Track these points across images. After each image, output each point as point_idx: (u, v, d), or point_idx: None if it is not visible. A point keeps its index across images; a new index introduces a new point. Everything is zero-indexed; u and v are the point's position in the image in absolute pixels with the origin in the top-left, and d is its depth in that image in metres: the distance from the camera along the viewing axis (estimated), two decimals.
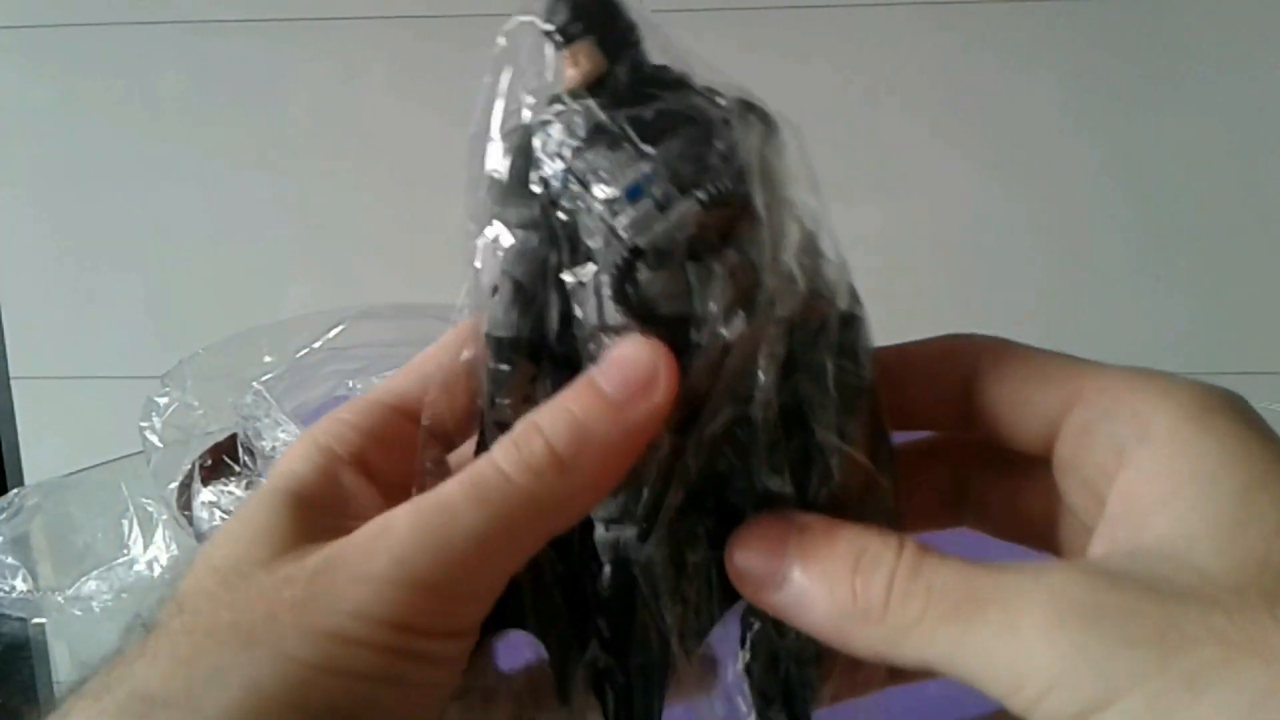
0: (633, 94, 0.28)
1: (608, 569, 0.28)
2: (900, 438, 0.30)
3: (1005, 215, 1.03)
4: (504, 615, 0.28)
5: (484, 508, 0.25)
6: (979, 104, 1.02)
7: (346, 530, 0.26)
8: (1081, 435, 0.27)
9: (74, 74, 1.07)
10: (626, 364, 0.26)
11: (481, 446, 0.29)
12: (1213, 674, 0.21)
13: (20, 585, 0.65)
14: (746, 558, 0.27)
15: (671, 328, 0.26)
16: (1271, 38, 0.99)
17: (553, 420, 0.26)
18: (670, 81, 0.28)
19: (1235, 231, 1.02)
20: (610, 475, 0.27)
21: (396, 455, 0.29)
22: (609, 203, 0.26)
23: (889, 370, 0.30)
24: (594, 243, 0.27)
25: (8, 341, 1.12)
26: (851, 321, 0.29)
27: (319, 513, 0.27)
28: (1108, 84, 1.01)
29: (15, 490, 0.72)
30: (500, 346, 0.28)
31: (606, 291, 0.26)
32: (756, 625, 0.29)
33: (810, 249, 0.28)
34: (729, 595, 0.29)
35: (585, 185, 0.27)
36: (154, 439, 0.63)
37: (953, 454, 0.33)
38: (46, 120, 1.08)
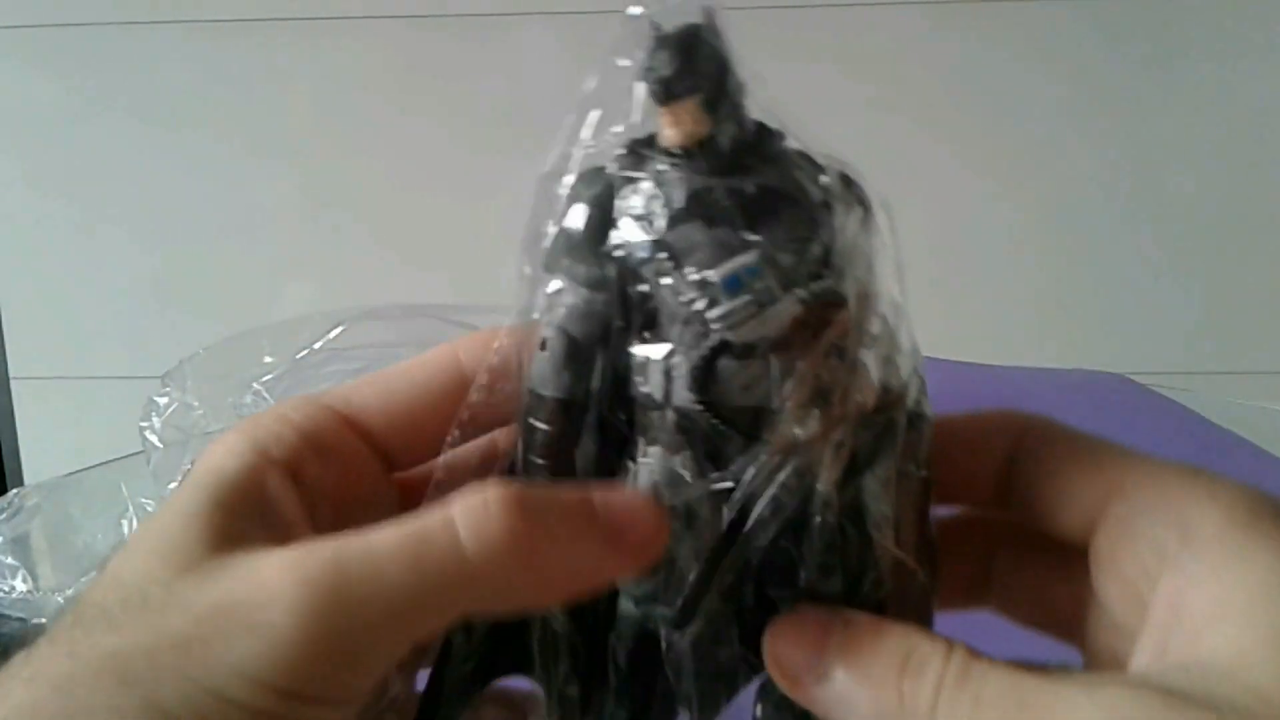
0: (733, 161, 0.25)
1: (629, 644, 0.27)
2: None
3: (1008, 215, 1.03)
4: (506, 660, 0.27)
5: (418, 572, 0.22)
6: (981, 104, 1.02)
7: (261, 540, 0.24)
8: (1122, 531, 0.26)
9: (74, 74, 1.07)
10: (635, 521, 0.25)
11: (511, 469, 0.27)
12: None
13: (20, 585, 0.65)
14: (787, 649, 0.26)
15: (740, 418, 0.25)
16: (1275, 37, 0.99)
17: (542, 517, 0.23)
18: (770, 148, 0.26)
19: (1239, 232, 1.02)
20: (562, 595, 0.25)
21: (333, 466, 0.27)
22: (702, 287, 0.24)
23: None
24: (674, 322, 0.25)
25: (7, 342, 1.12)
26: (918, 422, 0.27)
27: (237, 519, 0.24)
28: (1111, 84, 1.01)
29: (15, 490, 0.72)
30: (545, 405, 0.26)
31: (683, 376, 0.24)
32: (773, 697, 0.28)
33: (889, 344, 0.26)
34: (750, 673, 0.28)
35: (676, 261, 0.24)
36: (154, 439, 0.63)
37: (981, 534, 0.31)
38: (46, 120, 1.08)
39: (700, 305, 0.24)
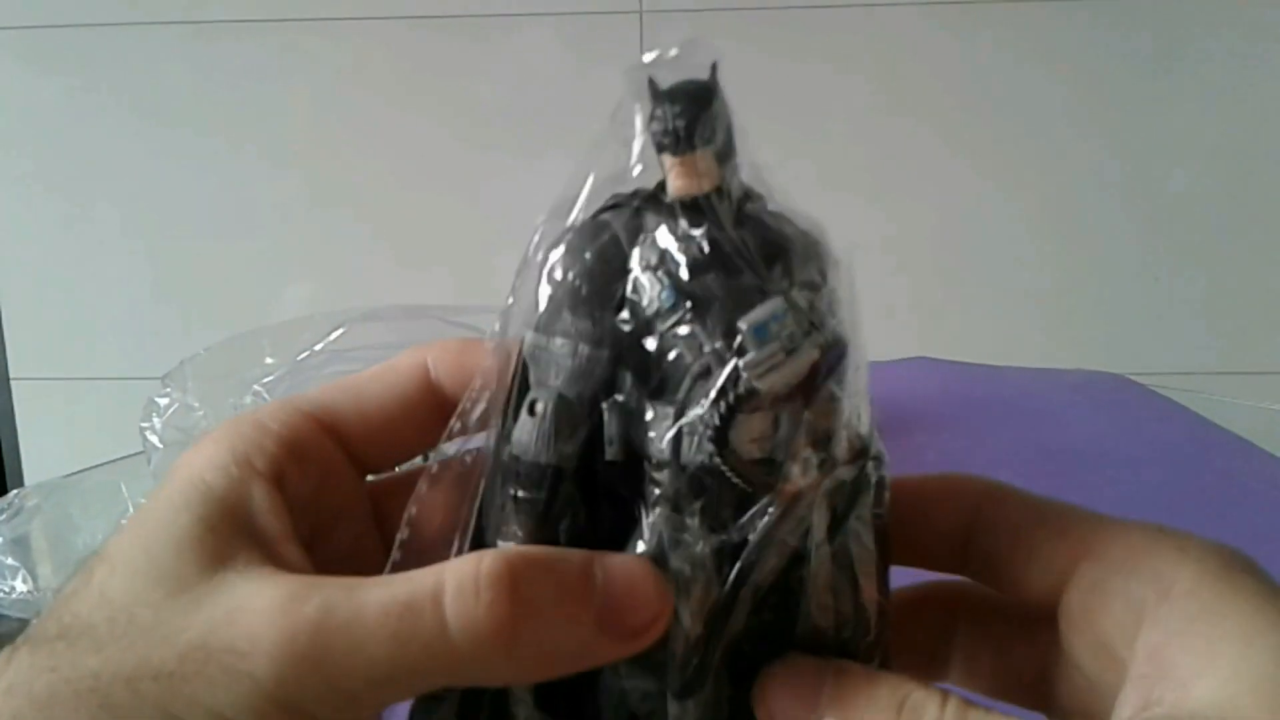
0: (737, 212, 0.25)
1: (610, 715, 0.26)
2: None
3: (1009, 217, 1.03)
4: None
5: (400, 650, 0.22)
6: (982, 104, 1.02)
7: (249, 559, 0.23)
8: (1094, 591, 0.25)
9: (74, 74, 1.07)
10: (636, 601, 0.24)
11: (474, 543, 0.26)
12: None
13: (20, 586, 0.65)
14: (781, 700, 0.25)
15: (751, 470, 0.24)
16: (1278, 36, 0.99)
17: (534, 602, 0.23)
18: (757, 204, 0.26)
19: (1240, 232, 1.02)
20: (549, 676, 0.24)
21: (312, 474, 0.27)
22: (728, 336, 0.23)
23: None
24: (687, 376, 0.24)
25: (8, 343, 1.12)
26: (879, 464, 0.27)
27: (225, 539, 0.24)
28: (1114, 85, 1.01)
29: (15, 491, 0.72)
30: (531, 474, 0.25)
31: (700, 432, 0.24)
32: None
33: (860, 392, 0.26)
34: None
35: (700, 312, 0.24)
36: (154, 439, 0.63)
37: (938, 605, 0.31)
38: (47, 120, 1.08)
39: (727, 356, 0.23)
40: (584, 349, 0.25)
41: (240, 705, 0.21)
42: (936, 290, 1.05)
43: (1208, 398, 0.77)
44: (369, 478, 0.29)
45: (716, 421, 0.23)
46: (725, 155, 0.25)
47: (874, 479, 0.26)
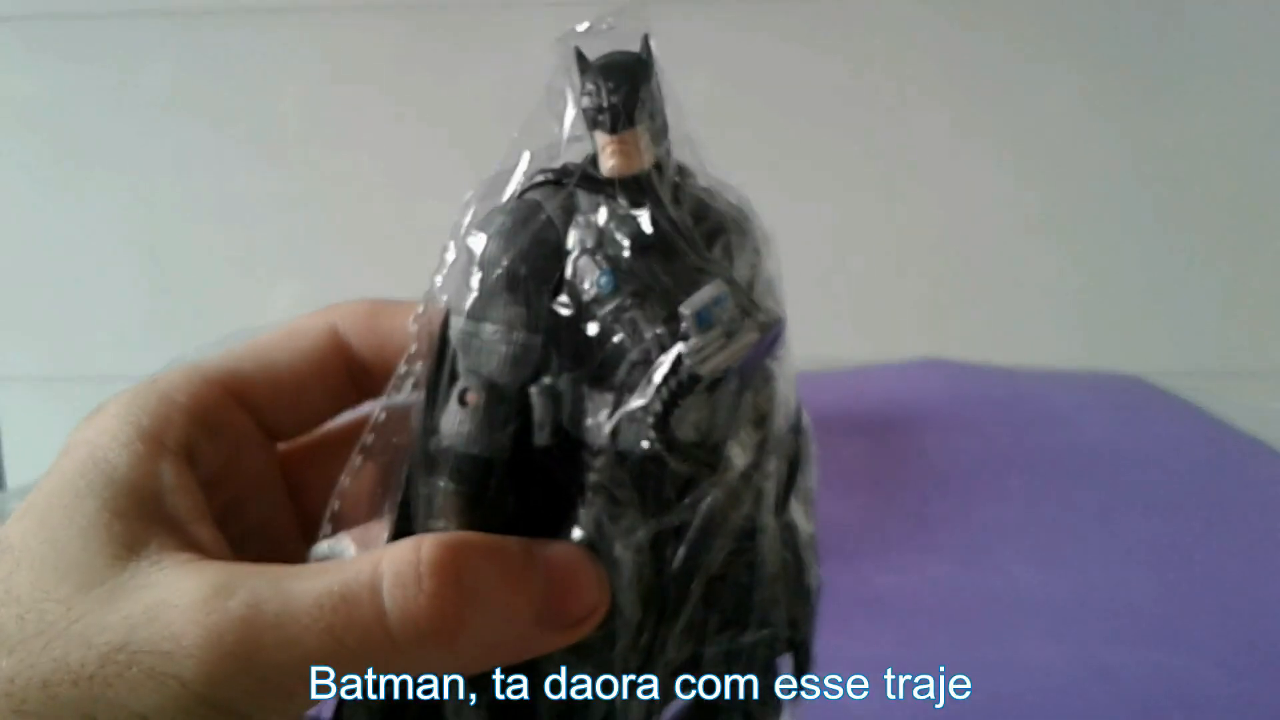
0: (672, 191, 0.24)
1: (526, 680, 0.25)
2: None
3: (1020, 216, 1.03)
4: None
5: (335, 644, 0.21)
6: (992, 101, 1.01)
7: (163, 544, 0.22)
8: None
9: (62, 68, 1.06)
10: (576, 590, 0.23)
11: (398, 533, 0.24)
12: None
13: None
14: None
15: (685, 454, 0.23)
16: None
17: (476, 590, 0.21)
18: (689, 180, 0.25)
19: (1254, 232, 1.01)
20: (487, 668, 0.23)
21: (224, 446, 0.26)
22: (672, 324, 0.23)
23: None
24: (629, 359, 0.23)
25: None
26: (807, 439, 0.27)
27: (136, 524, 0.23)
28: (1125, 83, 1.00)
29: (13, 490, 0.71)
30: (462, 464, 0.24)
31: (641, 417, 0.23)
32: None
33: (792, 369, 0.26)
34: (664, 699, 0.26)
35: (640, 296, 0.23)
36: None
37: None
38: (34, 115, 1.07)
39: (669, 342, 0.23)
40: (518, 336, 0.24)
41: (168, 708, 0.20)
42: (945, 291, 1.04)
43: (1220, 398, 0.76)
44: (280, 446, 0.28)
45: (659, 409, 0.23)
46: (661, 132, 0.24)
47: (804, 453, 0.26)
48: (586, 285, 0.24)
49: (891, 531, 0.58)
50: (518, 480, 0.25)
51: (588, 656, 0.24)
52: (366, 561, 0.21)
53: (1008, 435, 0.71)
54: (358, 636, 0.21)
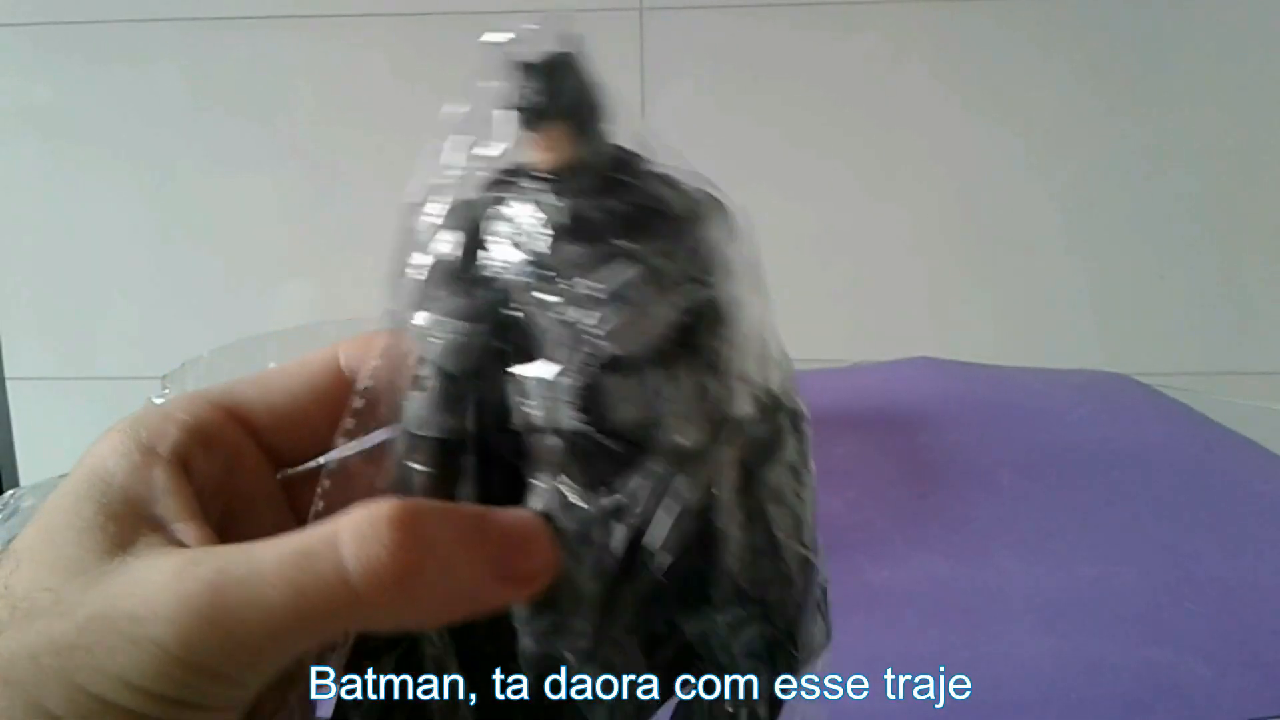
0: (602, 181, 0.26)
1: (527, 680, 0.26)
2: None
3: (1011, 215, 1.03)
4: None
5: (298, 598, 0.22)
6: (982, 103, 1.01)
7: (151, 540, 0.24)
8: None
9: (72, 72, 1.06)
10: (528, 547, 0.24)
11: None
12: None
13: None
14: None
15: (625, 433, 0.24)
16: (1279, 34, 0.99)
17: (433, 542, 0.23)
18: (629, 164, 0.26)
19: (1242, 232, 1.02)
20: (447, 620, 0.25)
21: (219, 459, 0.27)
22: (584, 304, 0.24)
23: None
24: (553, 344, 0.24)
25: (3, 342, 1.11)
26: (799, 422, 0.27)
27: (127, 524, 0.24)
28: (1113, 83, 1.00)
29: (11, 492, 0.71)
30: (421, 447, 0.26)
31: (567, 397, 0.24)
32: None
33: (761, 348, 0.26)
34: (663, 698, 0.27)
35: (555, 280, 0.24)
36: None
37: None
38: (47, 119, 1.08)
39: (583, 320, 0.24)
40: (457, 325, 0.25)
41: (145, 669, 0.21)
42: (938, 291, 1.04)
43: (1212, 398, 0.77)
44: (288, 471, 0.29)
45: (578, 387, 0.24)
46: (586, 125, 0.26)
47: (791, 434, 0.27)
48: (510, 274, 0.25)
49: (884, 527, 0.58)
50: (485, 465, 0.26)
51: (545, 612, 0.25)
52: (327, 523, 0.23)
53: (1000, 433, 0.71)
54: (319, 589, 0.22)
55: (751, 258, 0.27)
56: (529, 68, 0.26)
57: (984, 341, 1.02)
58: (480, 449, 0.26)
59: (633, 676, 0.26)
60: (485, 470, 0.26)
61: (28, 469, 1.11)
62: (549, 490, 0.25)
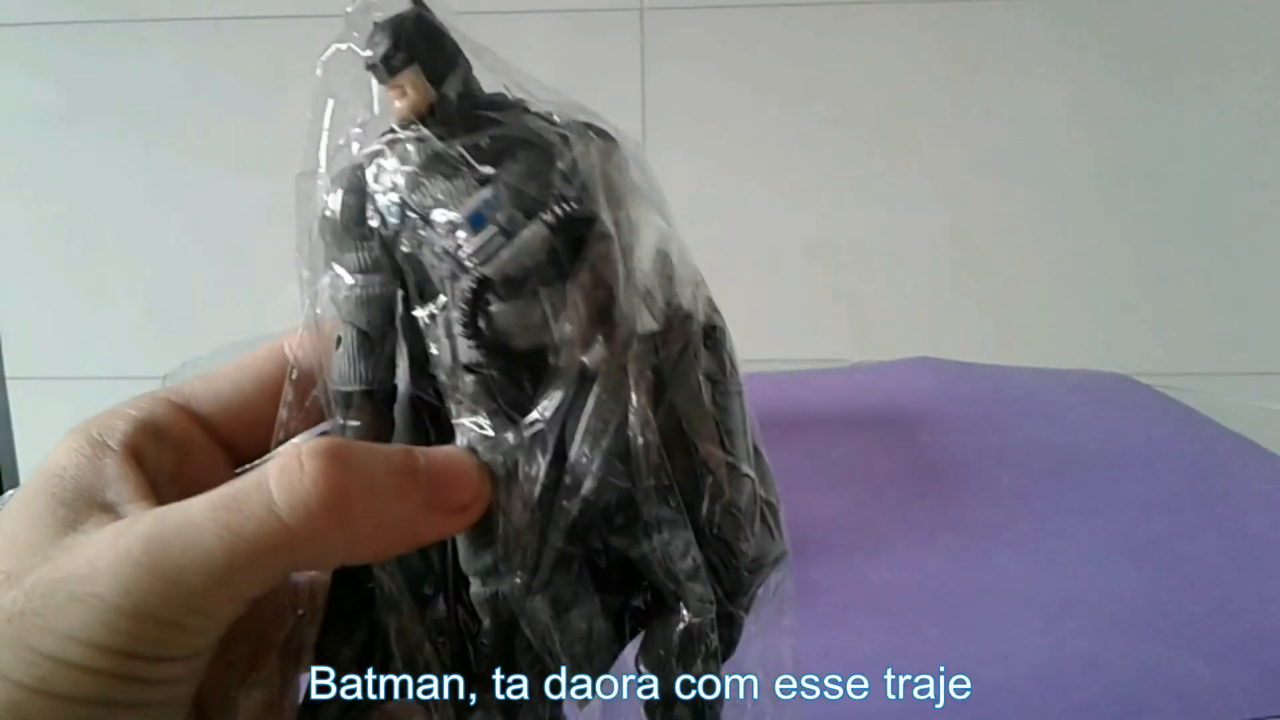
0: (466, 121, 0.26)
1: (487, 623, 0.27)
2: None
3: (1010, 216, 1.03)
4: (371, 666, 0.27)
5: (233, 538, 0.22)
6: (981, 103, 1.01)
7: (101, 517, 0.24)
8: None
9: (72, 73, 1.06)
10: (458, 479, 0.25)
11: None
12: None
13: None
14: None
15: (529, 359, 0.25)
16: (1277, 36, 0.99)
17: (360, 471, 0.23)
18: (504, 106, 0.27)
19: (1241, 232, 1.02)
20: (384, 552, 0.25)
21: (170, 450, 0.27)
22: (451, 232, 0.25)
23: None
24: (441, 278, 0.25)
25: (4, 342, 1.11)
26: (713, 332, 0.28)
27: (77, 509, 0.25)
28: (1112, 83, 1.00)
29: (10, 491, 0.72)
30: (349, 401, 0.26)
31: (458, 328, 0.25)
32: (647, 673, 0.27)
33: (664, 266, 0.27)
34: (619, 639, 0.27)
35: (424, 217, 0.25)
36: None
37: None
38: (43, 119, 1.08)
39: (454, 250, 0.24)
40: (356, 279, 0.27)
41: (92, 624, 0.22)
42: (938, 290, 1.04)
43: (1210, 398, 0.77)
44: (244, 468, 0.29)
45: (463, 315, 0.24)
46: (439, 71, 0.27)
47: (705, 346, 0.27)
48: (383, 220, 0.26)
49: (885, 527, 0.58)
50: (418, 415, 0.27)
51: (484, 551, 0.26)
52: (256, 469, 0.24)
53: (999, 433, 0.71)
54: (251, 527, 0.22)
55: (647, 183, 0.27)
56: (375, 25, 0.27)
57: (984, 341, 1.02)
58: (409, 400, 0.27)
59: (585, 608, 0.26)
60: (417, 418, 0.27)
61: (28, 469, 1.11)
62: (469, 426, 0.25)
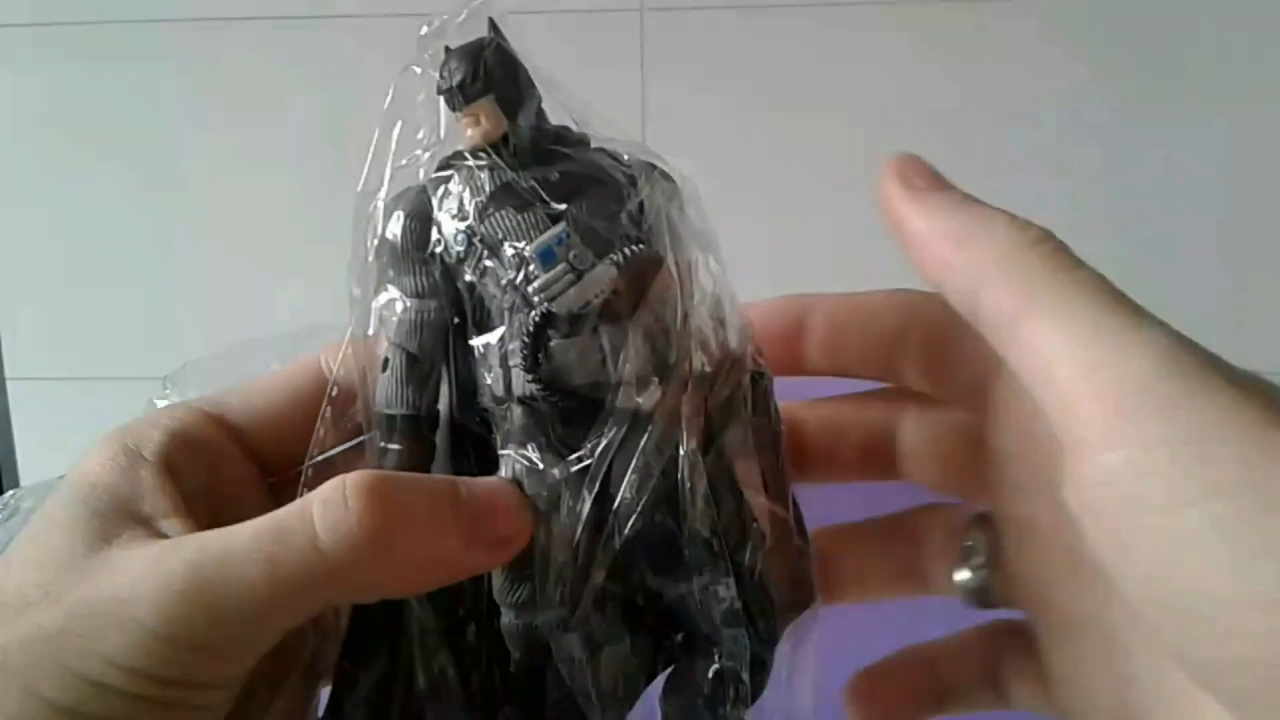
0: (537, 154, 0.27)
1: (517, 655, 0.27)
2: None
3: (1015, 210, 1.03)
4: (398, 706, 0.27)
5: (274, 569, 0.22)
6: (983, 105, 1.02)
7: (135, 535, 0.24)
8: (1015, 379, 0.26)
9: (72, 72, 1.06)
10: (500, 513, 0.25)
11: None
12: None
13: None
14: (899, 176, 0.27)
15: (584, 396, 0.25)
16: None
17: (403, 507, 0.24)
18: (571, 141, 0.27)
19: (1241, 232, 1.02)
20: (423, 586, 0.25)
21: (204, 461, 0.28)
22: (519, 266, 0.25)
23: (829, 317, 0.31)
24: (502, 309, 0.25)
25: (3, 343, 1.11)
26: (760, 379, 0.28)
27: (112, 521, 0.25)
28: (1110, 85, 1.01)
29: (10, 492, 0.71)
30: (392, 425, 0.26)
31: (516, 360, 0.25)
32: (674, 701, 0.28)
33: (716, 310, 0.27)
34: (647, 677, 0.27)
35: (492, 248, 0.25)
36: None
37: (880, 407, 0.33)
38: (41, 119, 1.08)
39: (520, 284, 0.25)
40: (410, 303, 0.27)
41: (131, 649, 0.22)
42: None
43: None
44: (277, 478, 0.29)
45: (523, 348, 0.25)
46: (508, 102, 0.27)
47: (752, 392, 0.27)
48: (448, 247, 0.26)
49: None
50: (458, 443, 0.27)
51: (520, 584, 0.26)
52: (299, 500, 0.24)
53: None
54: (293, 559, 0.22)
55: (704, 226, 0.28)
56: (449, 51, 0.28)
57: None
58: (451, 426, 0.27)
59: (618, 646, 0.27)
60: (458, 445, 0.27)
61: (28, 469, 1.11)
62: (516, 458, 0.26)
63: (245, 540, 0.23)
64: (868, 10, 1.00)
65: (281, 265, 1.07)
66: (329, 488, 0.23)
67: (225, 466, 0.28)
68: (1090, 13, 1.00)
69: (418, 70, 0.28)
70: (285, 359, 0.31)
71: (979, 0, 1.00)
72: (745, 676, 0.27)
